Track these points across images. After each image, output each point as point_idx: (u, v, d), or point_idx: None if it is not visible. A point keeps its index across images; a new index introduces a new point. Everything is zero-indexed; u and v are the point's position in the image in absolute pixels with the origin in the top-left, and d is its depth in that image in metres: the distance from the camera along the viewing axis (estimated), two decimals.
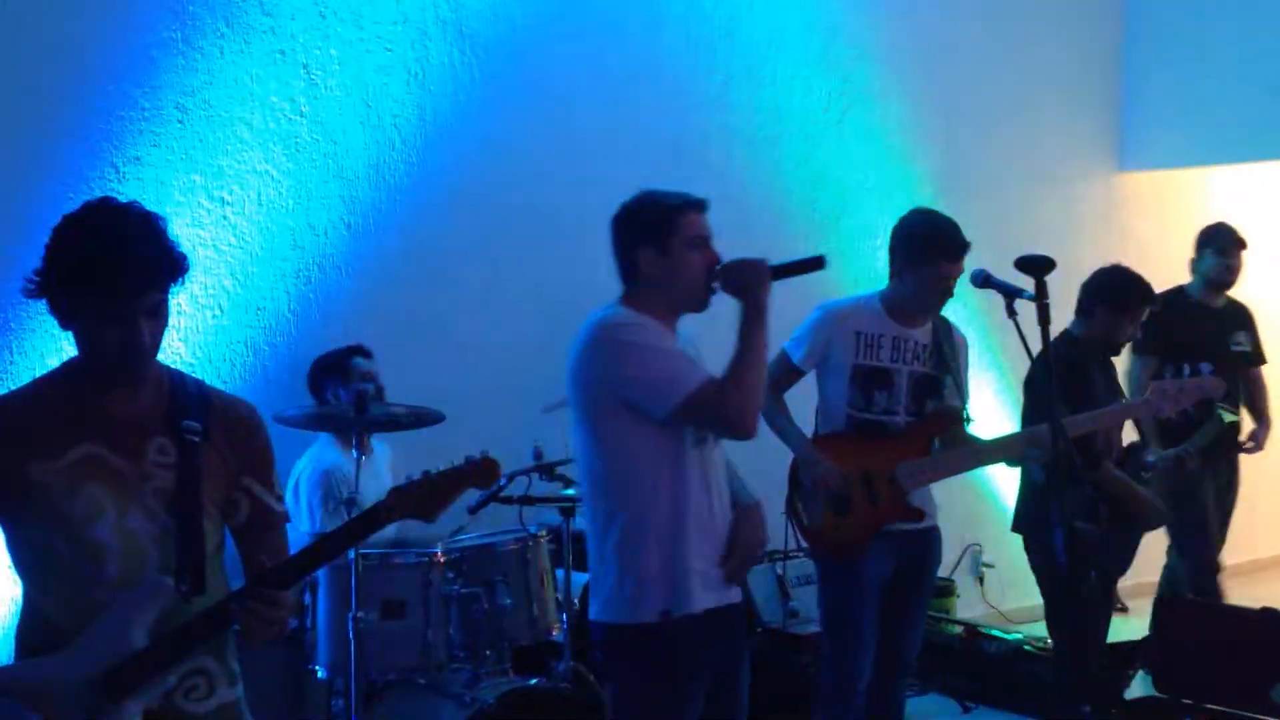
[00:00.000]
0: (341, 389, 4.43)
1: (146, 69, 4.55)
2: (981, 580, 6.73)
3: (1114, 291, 4.41)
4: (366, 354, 4.58)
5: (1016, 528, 4.51)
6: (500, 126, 5.33)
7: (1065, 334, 4.44)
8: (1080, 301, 4.47)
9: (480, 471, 2.37)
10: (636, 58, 5.72)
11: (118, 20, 4.51)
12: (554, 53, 5.48)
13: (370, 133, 5.05)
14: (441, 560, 3.86)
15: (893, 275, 3.94)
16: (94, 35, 4.46)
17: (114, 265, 2.15)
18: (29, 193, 4.31)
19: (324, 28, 4.94)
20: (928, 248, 3.84)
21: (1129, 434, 4.56)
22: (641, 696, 3.06)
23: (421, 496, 2.33)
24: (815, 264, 3.20)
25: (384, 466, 4.45)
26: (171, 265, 2.22)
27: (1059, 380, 4.10)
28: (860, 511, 3.88)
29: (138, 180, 4.51)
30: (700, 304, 3.13)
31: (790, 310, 3.74)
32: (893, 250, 3.94)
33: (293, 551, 2.40)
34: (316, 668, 3.83)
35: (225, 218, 4.70)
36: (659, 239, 3.10)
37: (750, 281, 3.06)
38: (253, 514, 2.39)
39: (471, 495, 3.16)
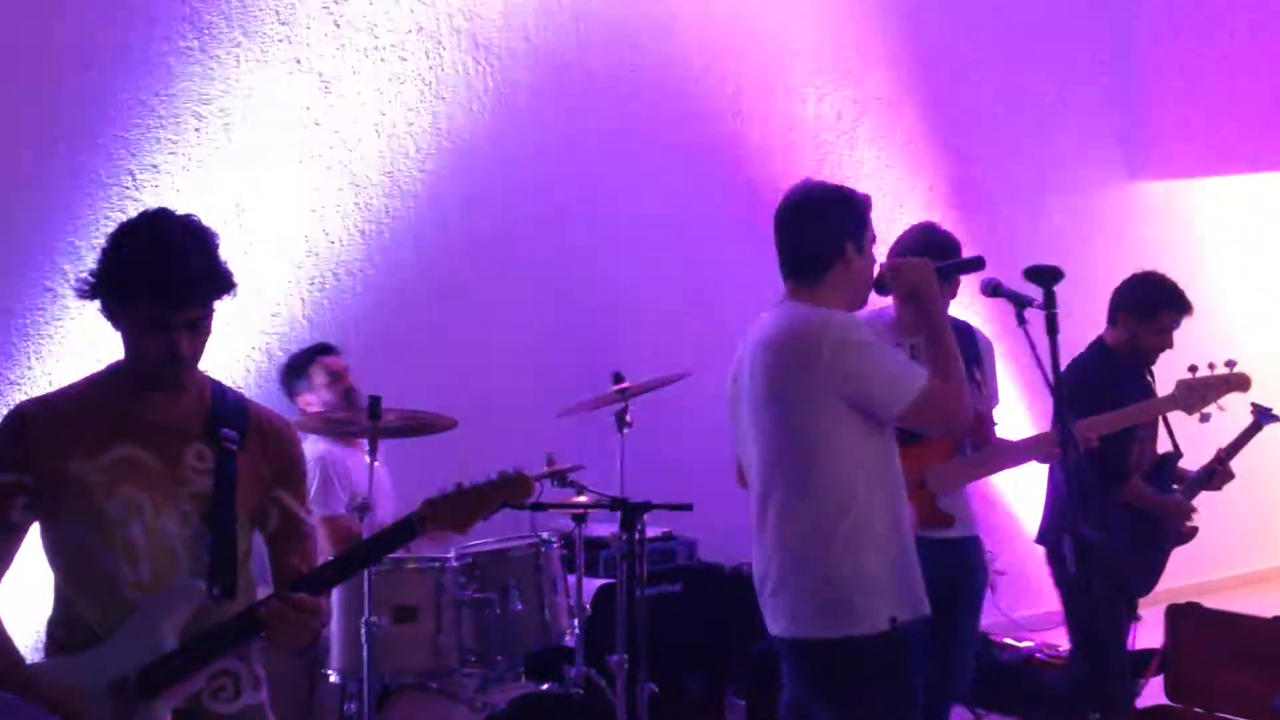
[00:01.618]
0: (309, 393, 4.44)
1: (164, 77, 4.60)
2: (993, 588, 6.71)
3: (1136, 299, 4.37)
4: (332, 351, 4.55)
5: (1041, 539, 4.48)
6: (513, 135, 5.37)
7: (1099, 343, 4.41)
8: (1110, 310, 4.43)
9: (514, 486, 2.40)
10: (649, 67, 5.75)
11: (135, 29, 4.56)
12: (566, 62, 5.52)
13: (384, 141, 5.09)
14: (454, 565, 3.88)
15: None
16: (112, 44, 4.51)
17: (161, 276, 2.22)
18: (47, 200, 4.36)
19: (339, 37, 4.98)
20: None
21: (1163, 443, 4.51)
22: (883, 710, 2.95)
23: (455, 508, 2.36)
24: (975, 264, 3.23)
25: (385, 475, 4.47)
26: (218, 282, 2.29)
27: (1093, 390, 4.10)
28: None
29: (154, 187, 4.55)
30: (861, 304, 3.12)
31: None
32: None
33: None
34: (329, 671, 3.85)
35: (240, 225, 4.74)
36: (861, 233, 3.05)
37: (921, 281, 3.06)
38: (283, 523, 2.44)
39: None
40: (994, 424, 3.97)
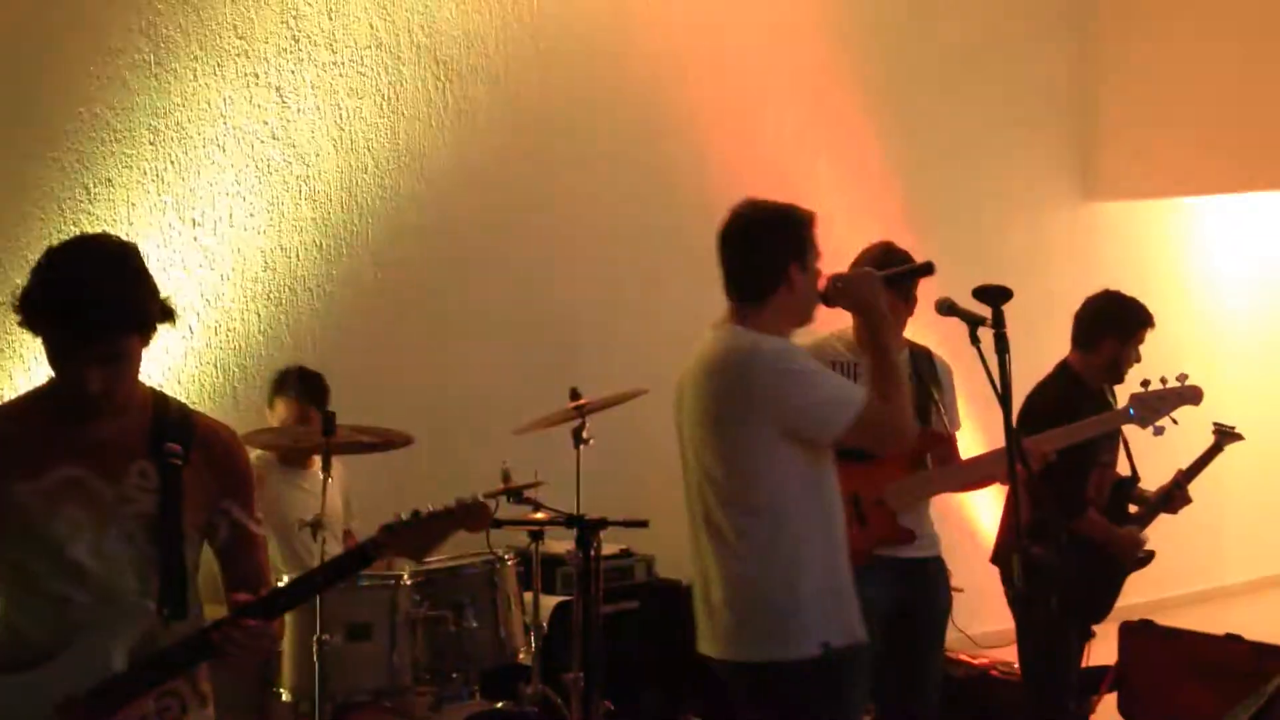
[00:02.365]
0: (279, 408, 4.33)
1: (119, 91, 4.57)
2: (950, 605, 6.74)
3: (1123, 320, 4.37)
4: (317, 391, 4.40)
5: (995, 559, 4.51)
6: (473, 150, 5.36)
7: (1065, 368, 4.40)
8: (1083, 334, 4.41)
9: (471, 513, 2.38)
10: (608, 84, 5.77)
11: (91, 43, 4.53)
12: (526, 78, 5.52)
13: (343, 156, 5.07)
14: (408, 583, 3.86)
15: None
16: (67, 57, 4.48)
17: (67, 309, 2.16)
18: (0, 214, 4.32)
19: (297, 51, 4.96)
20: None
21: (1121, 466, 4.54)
22: None
23: (412, 536, 2.35)
24: (924, 270, 3.23)
25: (336, 488, 4.43)
26: (129, 316, 2.20)
27: (1057, 418, 4.10)
28: (852, 535, 3.85)
29: (109, 201, 4.52)
30: (809, 321, 3.12)
31: None
32: None
33: None
34: (281, 690, 3.82)
35: (196, 239, 4.71)
36: (804, 252, 3.04)
37: (867, 294, 3.05)
38: (232, 536, 2.40)
39: None
40: (953, 444, 3.99)
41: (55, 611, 2.25)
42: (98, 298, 2.16)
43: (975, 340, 3.22)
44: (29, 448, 2.27)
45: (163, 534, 2.28)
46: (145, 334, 2.24)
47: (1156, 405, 4.07)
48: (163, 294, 2.27)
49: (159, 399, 2.39)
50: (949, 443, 3.96)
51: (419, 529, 2.34)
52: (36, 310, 2.19)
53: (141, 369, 2.32)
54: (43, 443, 2.27)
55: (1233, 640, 4.85)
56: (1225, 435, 4.68)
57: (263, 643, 2.27)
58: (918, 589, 3.82)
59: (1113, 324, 4.37)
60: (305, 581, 2.41)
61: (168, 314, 2.26)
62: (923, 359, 3.98)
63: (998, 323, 3.06)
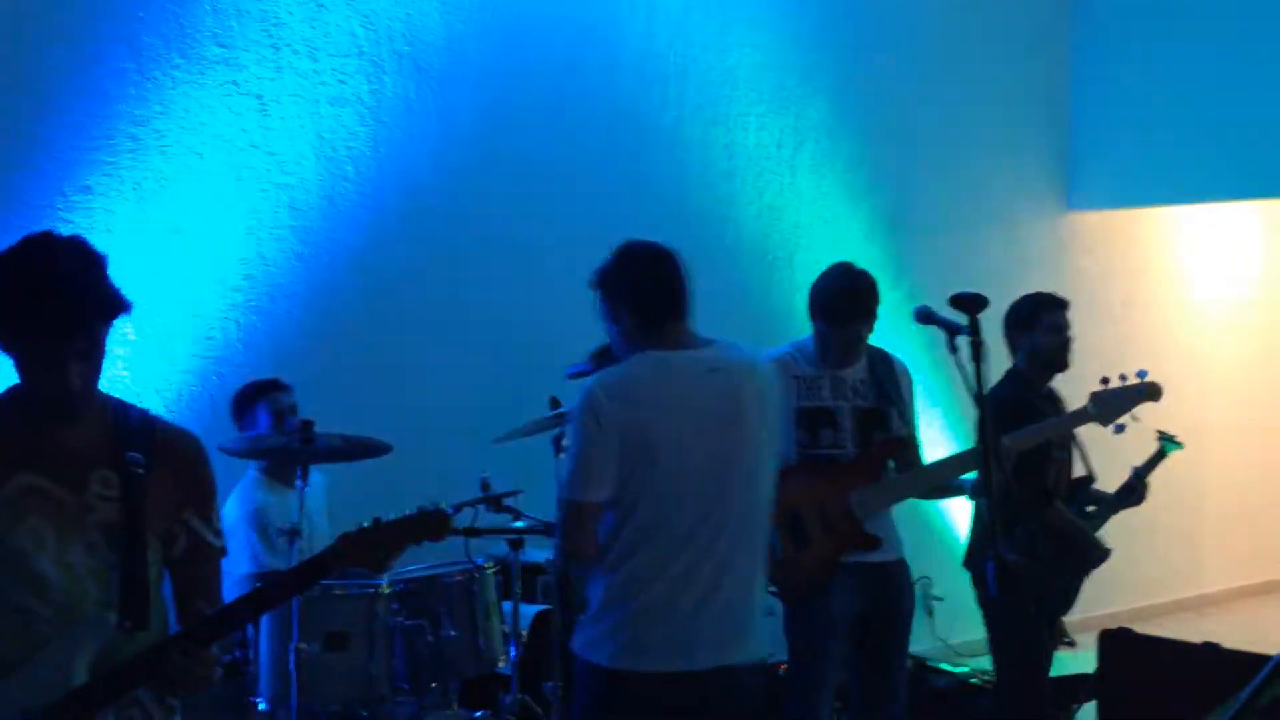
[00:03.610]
0: (254, 430, 4.28)
1: (99, 99, 4.56)
2: (931, 613, 6.76)
3: (1015, 318, 4.46)
4: (281, 387, 4.40)
5: (966, 563, 4.54)
6: (454, 160, 5.36)
7: (1014, 372, 4.45)
8: (1007, 341, 4.49)
9: (430, 522, 2.35)
10: (590, 94, 5.78)
11: (70, 50, 4.51)
12: (508, 87, 5.52)
13: (323, 164, 5.07)
14: (385, 591, 3.85)
15: (813, 326, 4.02)
16: (46, 65, 4.46)
17: (37, 308, 2.13)
18: None
19: (277, 60, 4.96)
20: (817, 309, 3.96)
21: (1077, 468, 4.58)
22: None
23: (371, 546, 2.32)
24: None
25: (321, 498, 4.42)
26: (102, 305, 2.18)
27: (1015, 419, 4.14)
28: (818, 543, 3.90)
29: (87, 209, 4.51)
30: None
31: None
32: (809, 304, 4.01)
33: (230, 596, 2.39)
34: (258, 700, 3.80)
35: (175, 247, 4.70)
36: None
37: None
38: (189, 547, 2.36)
39: None
40: (914, 447, 4.04)
41: (16, 624, 2.22)
42: (67, 292, 2.13)
43: (954, 349, 3.25)
44: None
45: (125, 543, 2.25)
46: (111, 323, 2.21)
47: (1117, 404, 4.10)
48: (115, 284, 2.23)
49: (119, 406, 2.35)
50: (910, 447, 4.02)
51: (376, 538, 2.32)
52: (6, 317, 2.15)
53: (116, 377, 2.29)
54: (2, 453, 2.24)
55: (1211, 649, 4.86)
56: (1167, 441, 4.75)
57: (208, 672, 2.24)
58: (884, 593, 3.94)
59: (1017, 321, 4.45)
60: (261, 595, 2.35)
61: (126, 307, 2.23)
62: (881, 362, 4.03)
63: (974, 331, 3.09)
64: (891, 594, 3.95)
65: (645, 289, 3.07)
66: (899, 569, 4.00)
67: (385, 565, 2.34)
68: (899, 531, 4.04)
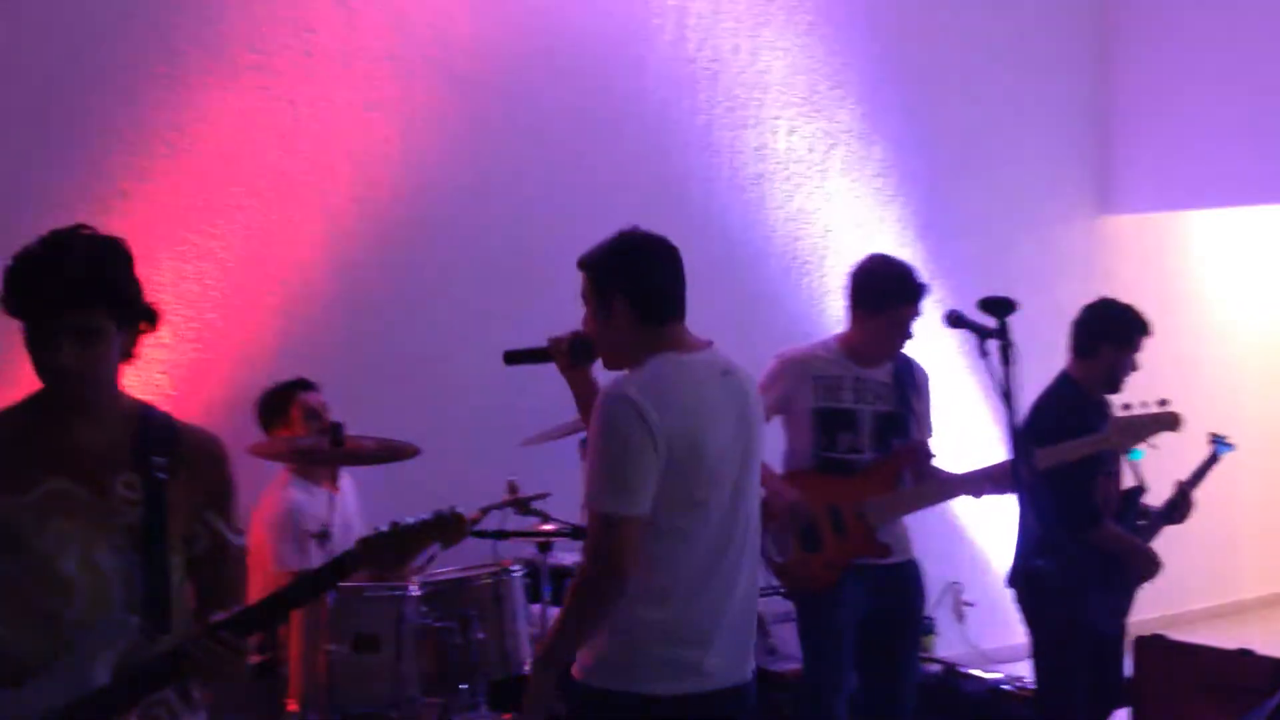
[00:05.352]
0: (286, 429, 4.30)
1: (134, 103, 4.61)
2: (961, 618, 6.73)
3: (1119, 327, 4.34)
4: (310, 387, 4.42)
5: (1009, 582, 4.44)
6: (485, 165, 5.38)
7: (1066, 378, 4.36)
8: (1080, 342, 4.36)
9: (447, 526, 2.35)
10: (621, 99, 5.79)
11: (106, 56, 4.56)
12: (539, 92, 5.54)
13: (356, 170, 5.10)
14: (415, 594, 3.87)
15: (853, 320, 3.98)
16: (82, 70, 4.52)
17: (33, 283, 2.15)
18: (14, 227, 4.32)
19: (310, 65, 4.99)
20: (885, 293, 3.89)
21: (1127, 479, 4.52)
22: None
23: (388, 550, 2.32)
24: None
25: (352, 501, 4.45)
26: (105, 294, 2.18)
27: (1056, 422, 4.10)
28: (829, 547, 3.89)
29: (124, 214, 4.54)
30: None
31: (759, 361, 3.79)
32: (851, 296, 3.98)
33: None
34: (289, 701, 3.83)
35: (210, 252, 4.74)
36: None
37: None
38: (211, 547, 2.37)
39: None
40: (931, 454, 4.02)
41: (43, 627, 2.24)
42: (64, 270, 2.15)
43: (984, 353, 3.24)
44: (12, 462, 2.25)
45: (148, 546, 2.26)
46: (122, 319, 2.21)
47: (1135, 430, 4.06)
48: (151, 300, 2.25)
49: (144, 409, 2.37)
50: (926, 454, 4.02)
51: (392, 541, 2.32)
52: (12, 282, 2.17)
53: (152, 381, 2.31)
54: (27, 455, 2.25)
55: (1246, 655, 4.81)
56: (1220, 444, 4.69)
57: (240, 662, 2.24)
58: (892, 592, 3.95)
59: (1110, 331, 4.34)
60: (284, 595, 2.35)
61: (150, 314, 2.25)
62: (905, 368, 4.02)
63: (1003, 334, 3.07)
64: (899, 592, 3.96)
65: (654, 283, 2.87)
66: (910, 570, 4.01)
67: (400, 568, 2.35)
68: (920, 537, 4.05)
